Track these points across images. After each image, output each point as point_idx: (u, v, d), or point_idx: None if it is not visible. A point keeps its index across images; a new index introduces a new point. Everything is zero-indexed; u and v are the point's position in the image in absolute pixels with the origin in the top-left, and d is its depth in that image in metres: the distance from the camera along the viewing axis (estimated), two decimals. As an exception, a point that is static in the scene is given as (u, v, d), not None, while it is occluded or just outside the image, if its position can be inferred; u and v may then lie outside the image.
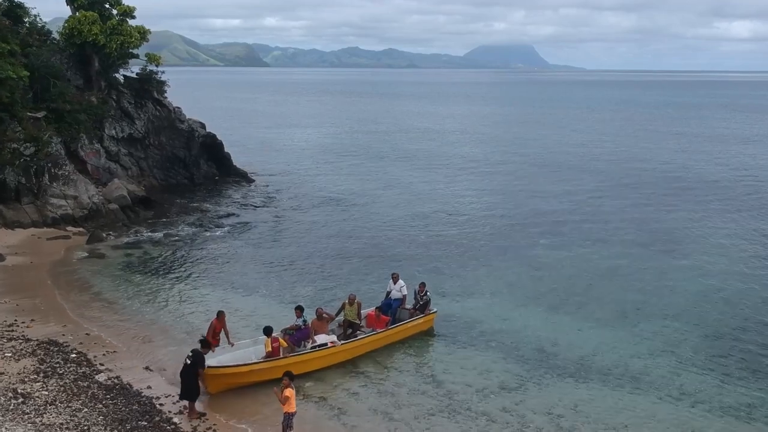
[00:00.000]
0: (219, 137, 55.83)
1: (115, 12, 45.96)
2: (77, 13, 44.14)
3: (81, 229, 38.23)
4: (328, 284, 29.76)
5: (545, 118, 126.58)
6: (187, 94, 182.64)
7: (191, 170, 51.04)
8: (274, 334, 20.37)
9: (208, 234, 38.17)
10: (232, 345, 20.66)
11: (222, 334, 20.88)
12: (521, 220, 42.80)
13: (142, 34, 46.40)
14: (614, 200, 49.13)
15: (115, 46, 44.52)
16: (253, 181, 54.44)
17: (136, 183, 47.70)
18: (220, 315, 20.86)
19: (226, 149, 59.07)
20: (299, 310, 21.87)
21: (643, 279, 31.09)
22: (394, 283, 24.85)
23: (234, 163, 56.61)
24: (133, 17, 46.44)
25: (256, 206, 45.08)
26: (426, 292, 24.63)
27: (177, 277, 30.64)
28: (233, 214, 42.28)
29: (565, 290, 29.43)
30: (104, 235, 36.95)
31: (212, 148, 53.75)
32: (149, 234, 37.96)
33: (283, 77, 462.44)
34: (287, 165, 63.95)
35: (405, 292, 24.73)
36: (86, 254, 33.60)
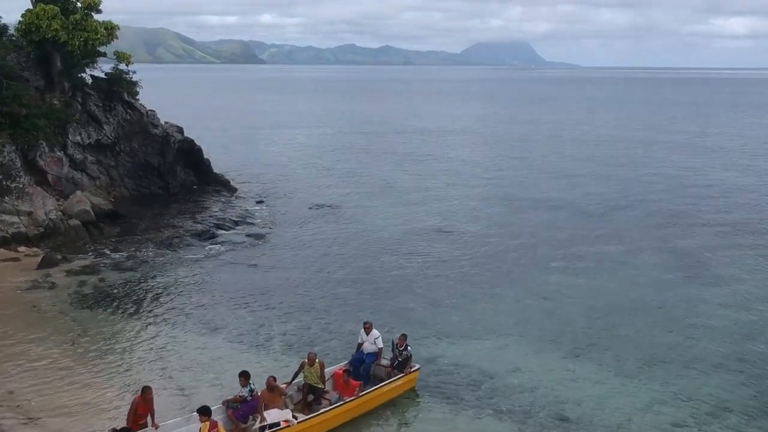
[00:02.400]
0: (198, 142, 51.51)
1: (79, 5, 41.51)
2: (36, 7, 39.69)
3: (35, 249, 34.06)
4: (308, 321, 25.49)
5: (546, 118, 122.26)
6: (180, 93, 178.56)
7: (166, 179, 46.68)
8: (214, 414, 16.02)
9: (177, 256, 33.86)
10: (156, 427, 16.30)
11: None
12: (528, 237, 38.57)
13: (110, 30, 42.00)
14: (627, 212, 44.91)
15: (77, 43, 40.11)
16: (236, 190, 50.15)
17: (105, 194, 43.45)
18: (146, 391, 16.48)
19: (212, 152, 54.99)
20: (244, 377, 17.49)
21: (673, 314, 26.91)
22: (367, 334, 20.43)
23: (216, 170, 52.33)
24: (99, 11, 42.03)
25: (235, 221, 40.77)
26: (406, 346, 20.27)
27: (134, 314, 26.35)
28: (208, 232, 37.94)
29: (583, 330, 25.22)
30: (59, 257, 32.67)
31: (190, 154, 49.40)
32: (112, 255, 33.68)
33: (279, 75, 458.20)
34: (274, 171, 59.68)
35: (380, 345, 20.38)
36: (33, 282, 29.27)
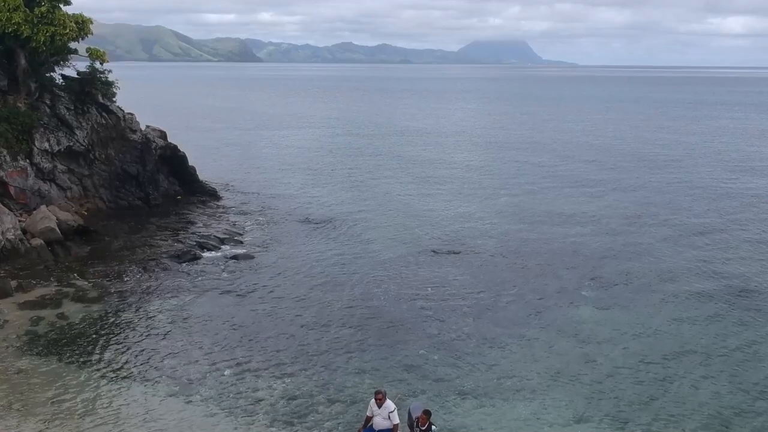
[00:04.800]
0: (185, 145, 47.62)
1: (46, -4, 37.10)
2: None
3: (-11, 274, 29.62)
4: (302, 375, 21.09)
5: (554, 118, 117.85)
6: (173, 92, 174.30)
7: (146, 189, 42.26)
8: None
9: (152, 284, 29.43)
10: None
11: None
12: (549, 258, 34.21)
13: (81, 24, 37.56)
14: (655, 228, 40.52)
15: (43, 38, 35.67)
16: (221, 198, 45.82)
17: (77, 206, 39.14)
18: None
19: (200, 157, 50.81)
20: None
21: (734, 360, 22.61)
22: (379, 406, 16.09)
23: (203, 177, 48.15)
24: (68, 3, 37.60)
25: (220, 238, 36.32)
26: (431, 425, 15.85)
27: (91, 363, 21.88)
28: (189, 252, 33.45)
29: (632, 385, 20.86)
30: (14, 285, 28.26)
31: (173, 161, 45.02)
32: (77, 282, 29.22)
33: (275, 73, 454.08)
34: (266, 177, 55.31)
35: (396, 420, 16.02)
36: (-22, 320, 24.87)
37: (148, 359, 22.18)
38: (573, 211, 44.65)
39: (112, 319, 25.50)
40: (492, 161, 67.01)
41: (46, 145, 38.11)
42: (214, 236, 36.57)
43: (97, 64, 40.35)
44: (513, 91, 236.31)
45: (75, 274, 30.33)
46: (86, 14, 38.67)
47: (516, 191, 51.47)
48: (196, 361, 22.11)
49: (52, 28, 35.92)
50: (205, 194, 45.77)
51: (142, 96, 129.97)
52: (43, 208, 34.55)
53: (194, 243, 35.18)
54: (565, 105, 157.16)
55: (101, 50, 40.02)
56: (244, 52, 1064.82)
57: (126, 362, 21.98)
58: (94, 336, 23.98)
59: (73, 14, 37.54)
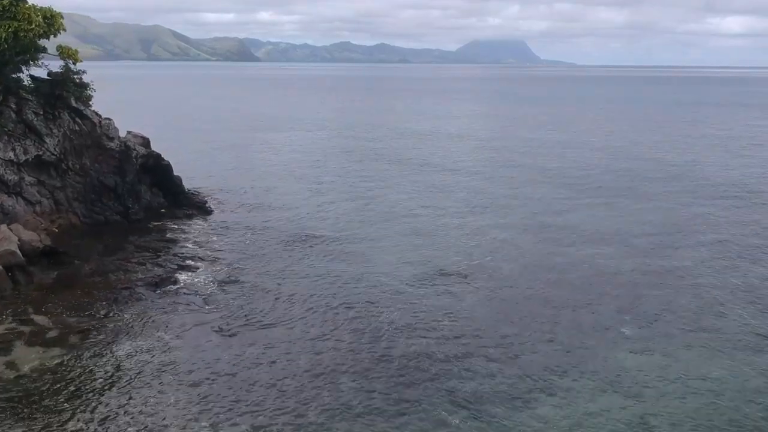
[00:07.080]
0: (171, 154, 43.47)
1: (8, -12, 32.98)
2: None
3: (-65, 307, 25.61)
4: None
5: (558, 120, 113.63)
6: (169, 92, 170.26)
7: (125, 202, 38.24)
8: None
9: (122, 321, 25.39)
10: None
11: None
12: (578, 285, 30.17)
13: (50, 19, 33.45)
14: (691, 247, 36.47)
15: (4, 34, 31.57)
16: (211, 212, 41.77)
17: (47, 223, 35.16)
18: None
19: (189, 162, 46.77)
20: None
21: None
22: None
23: (190, 187, 44.22)
24: (35, -5, 33.62)
25: (205, 260, 32.32)
26: None
27: (35, 428, 17.84)
28: (170, 278, 29.46)
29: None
30: (-40, 323, 24.24)
31: (156, 171, 40.95)
32: (35, 319, 25.30)
33: (272, 72, 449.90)
34: (259, 185, 51.19)
35: None
36: None
37: (110, 423, 18.13)
38: (596, 226, 40.60)
39: (71, 369, 21.45)
40: (501, 167, 62.83)
41: (11, 154, 34.12)
42: (198, 257, 32.58)
43: (71, 64, 36.20)
44: (514, 90, 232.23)
45: (34, 308, 26.30)
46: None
47: (531, 203, 47.36)
48: (168, 425, 18.07)
49: (15, 23, 31.89)
50: (192, 207, 41.73)
51: (139, 97, 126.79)
52: (3, 227, 30.47)
53: (175, 266, 31.16)
54: (568, 106, 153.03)
55: (73, 48, 35.94)
56: (242, 51, 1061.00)
57: (81, 427, 17.92)
58: (46, 392, 19.92)
59: (41, 8, 33.45)
